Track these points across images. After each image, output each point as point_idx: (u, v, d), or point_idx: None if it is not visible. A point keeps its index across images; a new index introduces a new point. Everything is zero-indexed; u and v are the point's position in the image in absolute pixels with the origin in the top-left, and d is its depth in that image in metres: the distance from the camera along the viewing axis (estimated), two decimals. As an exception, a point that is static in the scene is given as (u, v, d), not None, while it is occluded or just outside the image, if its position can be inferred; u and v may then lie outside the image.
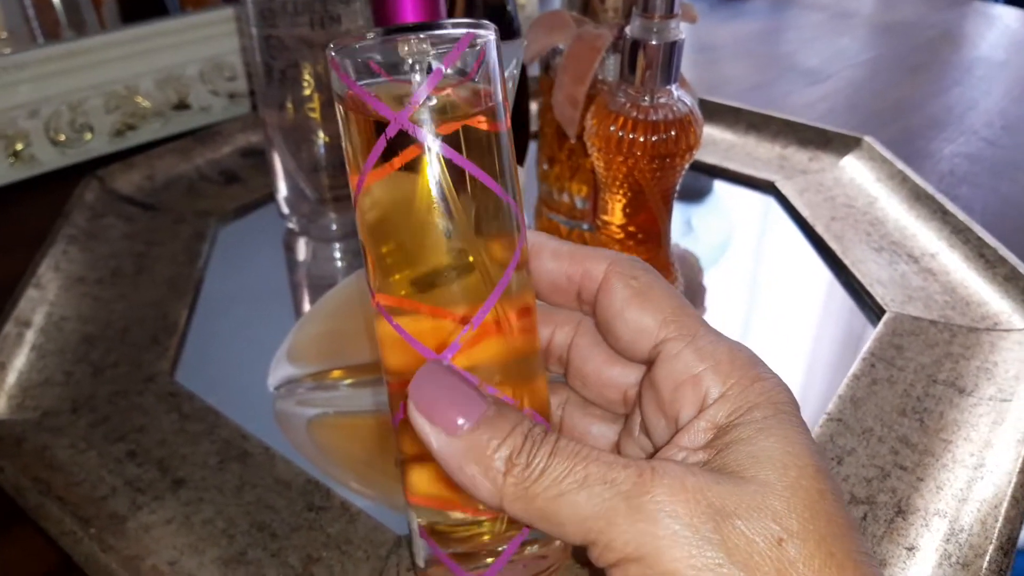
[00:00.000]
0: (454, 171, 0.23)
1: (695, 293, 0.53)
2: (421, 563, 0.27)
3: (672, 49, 0.41)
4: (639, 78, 0.42)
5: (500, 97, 0.23)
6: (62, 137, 0.65)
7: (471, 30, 0.22)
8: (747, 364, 0.24)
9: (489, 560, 0.26)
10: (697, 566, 0.19)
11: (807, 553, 0.20)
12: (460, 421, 0.21)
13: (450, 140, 0.22)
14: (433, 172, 0.22)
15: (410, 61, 0.22)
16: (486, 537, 0.26)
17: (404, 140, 0.22)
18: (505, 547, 0.26)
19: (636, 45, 0.41)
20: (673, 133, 0.42)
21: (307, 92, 0.50)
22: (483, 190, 0.23)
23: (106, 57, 0.66)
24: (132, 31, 0.67)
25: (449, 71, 0.22)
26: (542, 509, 0.21)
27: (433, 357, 0.23)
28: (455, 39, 0.22)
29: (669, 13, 0.40)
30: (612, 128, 0.42)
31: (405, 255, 0.24)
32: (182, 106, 0.70)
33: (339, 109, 0.23)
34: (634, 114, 0.42)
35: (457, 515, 0.26)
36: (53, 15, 0.69)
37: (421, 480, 0.26)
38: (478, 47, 0.22)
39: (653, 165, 0.43)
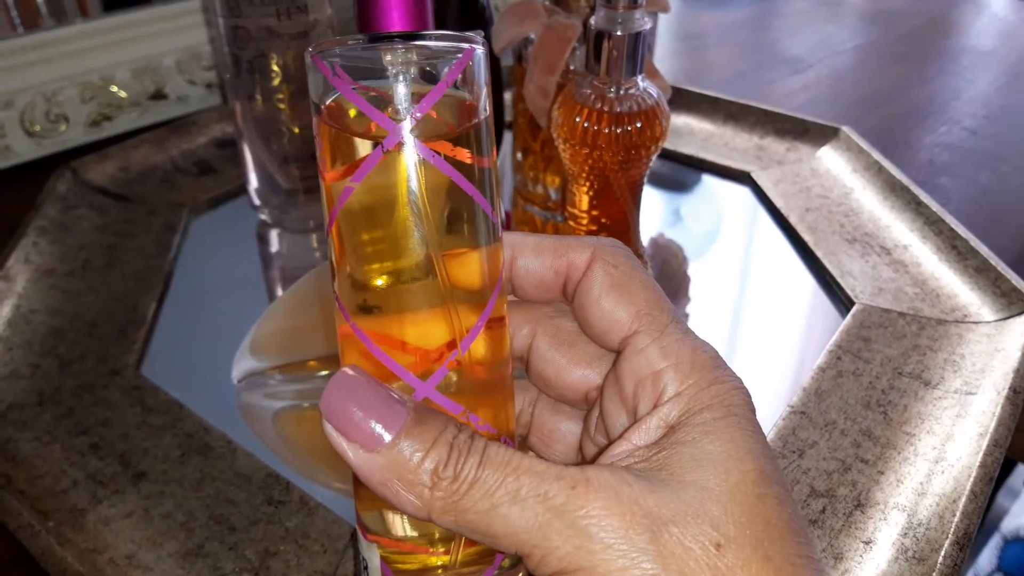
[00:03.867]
0: (446, 186, 0.22)
1: (679, 283, 0.53)
2: None
3: (637, 40, 0.41)
4: (604, 69, 0.41)
5: (486, 109, 0.23)
6: (37, 128, 0.65)
7: (464, 44, 0.22)
8: (707, 365, 0.24)
9: None
10: (620, 556, 0.19)
11: (744, 558, 0.20)
12: (379, 432, 0.20)
13: (444, 154, 0.22)
14: (425, 186, 0.21)
15: (395, 72, 0.21)
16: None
17: (396, 154, 0.21)
18: None
19: (600, 36, 0.41)
20: (639, 125, 0.42)
21: (275, 83, 0.49)
22: (471, 204, 0.23)
23: (81, 47, 0.65)
24: (107, 21, 0.66)
25: (444, 87, 0.21)
26: (473, 523, 0.20)
27: (419, 385, 0.22)
28: (451, 52, 0.21)
29: (633, 3, 0.40)
30: (577, 120, 0.42)
31: (392, 273, 0.23)
32: (159, 96, 0.69)
33: (319, 115, 0.22)
34: (599, 106, 0.42)
35: (426, 557, 0.25)
36: (33, 4, 0.69)
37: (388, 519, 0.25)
38: (473, 62, 0.22)
39: (619, 157, 0.42)
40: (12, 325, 0.46)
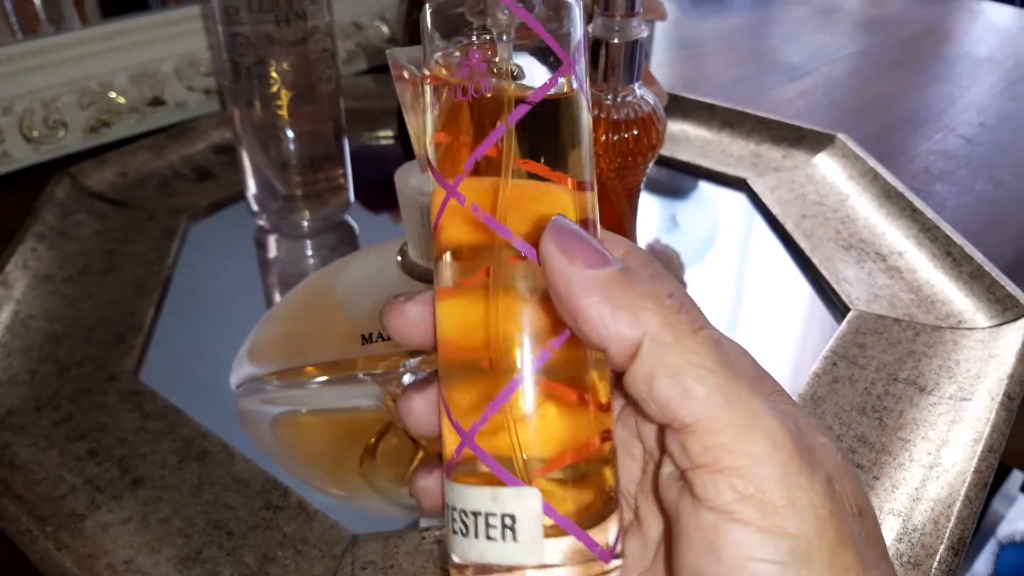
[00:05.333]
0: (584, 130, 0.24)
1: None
2: (540, 559, 0.22)
3: (634, 48, 0.41)
4: (601, 76, 0.42)
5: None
6: (36, 134, 0.65)
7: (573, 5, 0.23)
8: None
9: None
10: (802, 484, 0.19)
11: (872, 528, 0.21)
12: (606, 254, 0.21)
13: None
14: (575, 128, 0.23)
15: (498, 30, 0.22)
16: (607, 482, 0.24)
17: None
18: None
19: (598, 44, 0.41)
20: (635, 132, 0.42)
21: (274, 89, 0.50)
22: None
23: (80, 53, 0.65)
24: (106, 27, 0.66)
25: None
26: (692, 349, 0.20)
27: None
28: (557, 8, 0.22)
29: (630, 12, 0.40)
30: (575, 127, 0.42)
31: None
32: (157, 102, 0.70)
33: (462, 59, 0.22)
34: (596, 113, 0.42)
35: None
36: (32, 10, 0.69)
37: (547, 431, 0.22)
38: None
39: (615, 164, 0.43)
40: (10, 331, 0.47)
